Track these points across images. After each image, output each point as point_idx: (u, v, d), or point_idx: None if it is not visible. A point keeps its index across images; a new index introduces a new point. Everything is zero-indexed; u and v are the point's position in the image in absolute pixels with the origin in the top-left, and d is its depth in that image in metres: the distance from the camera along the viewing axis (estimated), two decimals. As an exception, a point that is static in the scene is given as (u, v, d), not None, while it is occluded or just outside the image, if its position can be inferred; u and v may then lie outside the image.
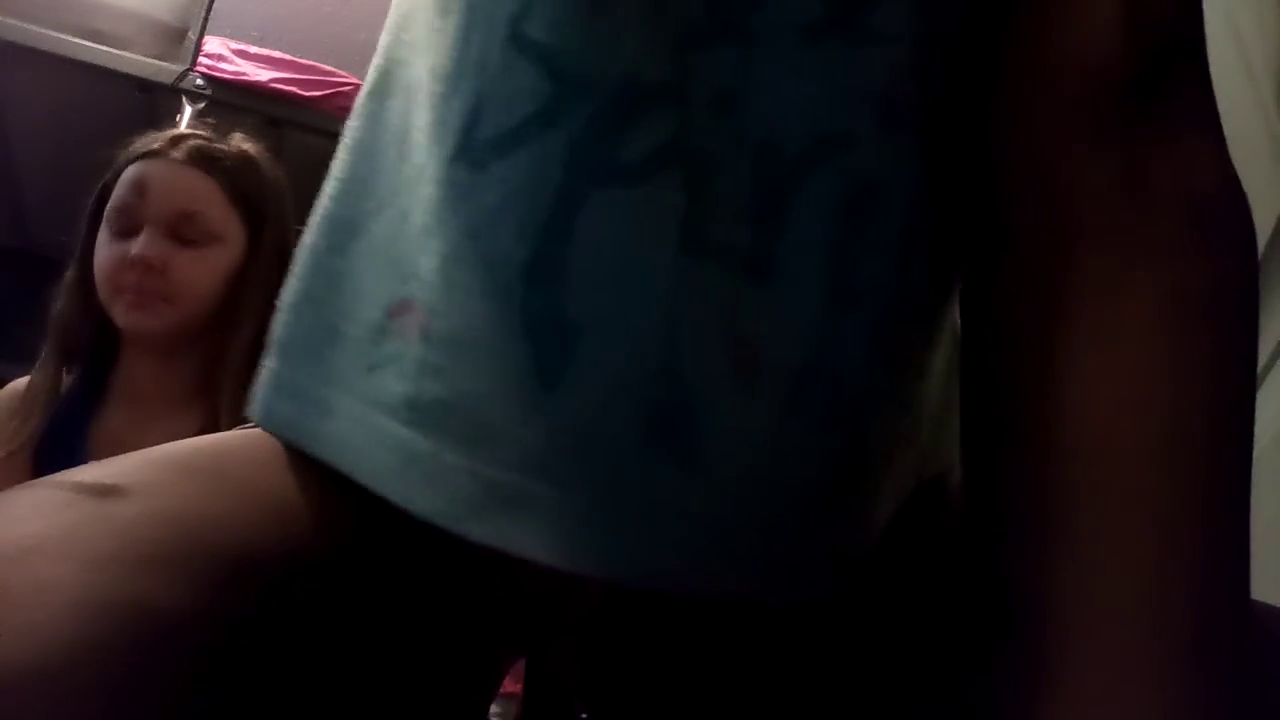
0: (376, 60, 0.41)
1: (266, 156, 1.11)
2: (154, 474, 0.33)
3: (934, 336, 0.40)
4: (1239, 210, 0.33)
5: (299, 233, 0.42)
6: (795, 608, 0.35)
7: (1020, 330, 0.32)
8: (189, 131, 1.09)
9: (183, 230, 1.00)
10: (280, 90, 2.11)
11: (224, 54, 2.11)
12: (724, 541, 0.33)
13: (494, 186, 0.33)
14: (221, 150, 1.06)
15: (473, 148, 0.33)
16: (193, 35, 2.08)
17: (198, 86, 2.05)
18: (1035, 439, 0.31)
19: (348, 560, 0.35)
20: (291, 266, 0.41)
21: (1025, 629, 0.30)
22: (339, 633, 0.35)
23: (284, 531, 0.34)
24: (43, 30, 1.97)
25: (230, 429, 0.41)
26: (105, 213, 1.02)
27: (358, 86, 0.42)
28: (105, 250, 1.01)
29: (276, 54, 2.16)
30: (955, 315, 0.41)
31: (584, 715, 0.59)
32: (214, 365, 1.00)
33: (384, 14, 0.42)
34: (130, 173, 1.02)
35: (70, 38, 1.99)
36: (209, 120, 1.15)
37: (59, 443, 0.99)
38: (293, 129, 2.06)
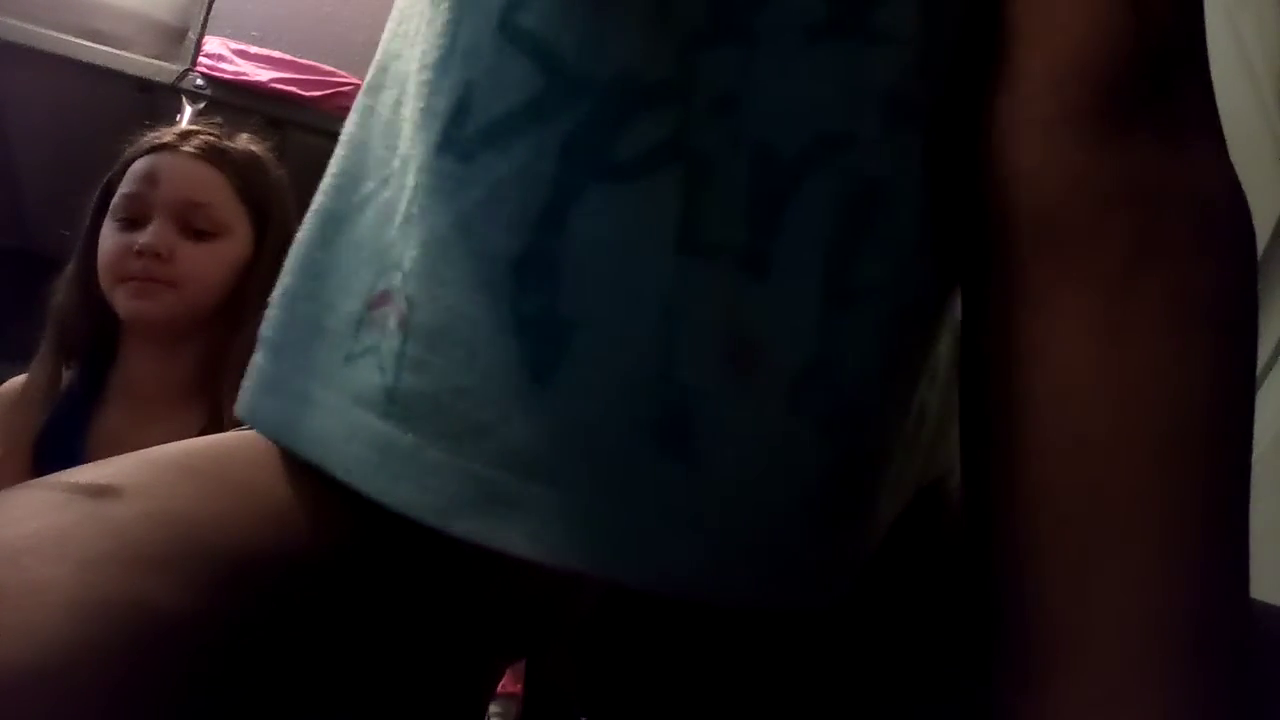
0: (375, 58, 0.41)
1: (271, 157, 1.11)
2: (151, 474, 0.33)
3: (935, 337, 0.40)
4: (1240, 213, 0.33)
5: None
6: (796, 609, 0.35)
7: (1021, 332, 0.32)
8: (199, 127, 1.10)
9: (192, 220, 1.01)
10: (280, 90, 2.11)
11: (224, 54, 2.12)
12: (723, 541, 0.33)
13: (482, 177, 0.33)
14: (231, 147, 1.06)
15: (461, 138, 0.33)
16: (193, 35, 2.08)
17: (198, 86, 2.05)
18: (1035, 439, 0.31)
19: (345, 560, 0.35)
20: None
21: (1025, 630, 0.30)
22: (336, 633, 0.34)
23: (281, 532, 0.34)
24: (43, 30, 1.98)
25: (232, 429, 0.41)
26: (111, 204, 1.02)
27: (358, 86, 0.42)
28: (111, 240, 1.01)
29: (276, 54, 2.17)
30: (957, 316, 0.41)
31: (583, 718, 0.59)
32: (214, 363, 1.00)
33: (384, 14, 0.42)
34: (140, 165, 1.03)
35: (70, 37, 2.00)
36: (216, 119, 1.15)
37: (58, 441, 0.99)
38: (293, 129, 2.06)
